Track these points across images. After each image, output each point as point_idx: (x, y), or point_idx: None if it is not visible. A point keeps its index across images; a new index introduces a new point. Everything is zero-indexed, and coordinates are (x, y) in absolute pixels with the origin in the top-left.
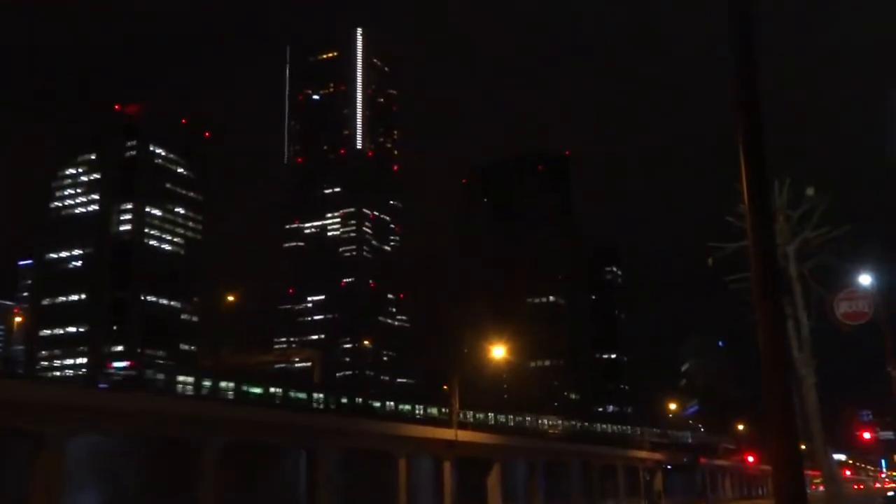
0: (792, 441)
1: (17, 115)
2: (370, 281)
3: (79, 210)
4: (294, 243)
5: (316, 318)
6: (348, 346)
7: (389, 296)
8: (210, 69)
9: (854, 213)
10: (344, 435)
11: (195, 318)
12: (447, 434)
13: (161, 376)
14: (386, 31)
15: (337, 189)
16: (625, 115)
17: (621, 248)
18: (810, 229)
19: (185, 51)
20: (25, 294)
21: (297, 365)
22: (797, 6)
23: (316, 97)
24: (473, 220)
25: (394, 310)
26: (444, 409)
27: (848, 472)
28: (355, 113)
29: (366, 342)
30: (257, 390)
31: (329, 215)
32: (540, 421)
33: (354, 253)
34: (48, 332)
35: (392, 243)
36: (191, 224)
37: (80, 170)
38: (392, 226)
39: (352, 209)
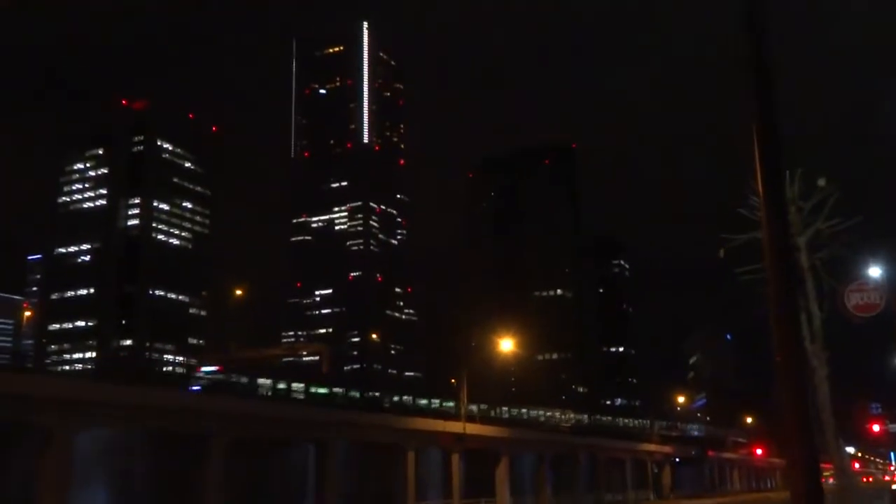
0: (807, 434)
1: (25, 111)
2: (377, 275)
3: (87, 205)
4: (301, 237)
5: (323, 311)
6: (356, 339)
7: (397, 289)
8: (217, 64)
9: (865, 204)
10: (352, 428)
11: (203, 312)
12: (456, 427)
13: (245, 380)
14: (392, 25)
15: (344, 183)
16: (631, 108)
17: (628, 241)
18: (822, 220)
19: (192, 46)
20: (34, 288)
21: (304, 359)
22: None
23: (322, 91)
24: (480, 214)
25: (401, 303)
26: (447, 402)
27: (857, 465)
28: (362, 107)
29: (373, 336)
30: (323, 391)
31: (336, 209)
32: (547, 414)
33: (361, 247)
34: (57, 326)
35: (399, 237)
36: (198, 218)
37: (87, 165)
38: (399, 219)
39: (359, 203)
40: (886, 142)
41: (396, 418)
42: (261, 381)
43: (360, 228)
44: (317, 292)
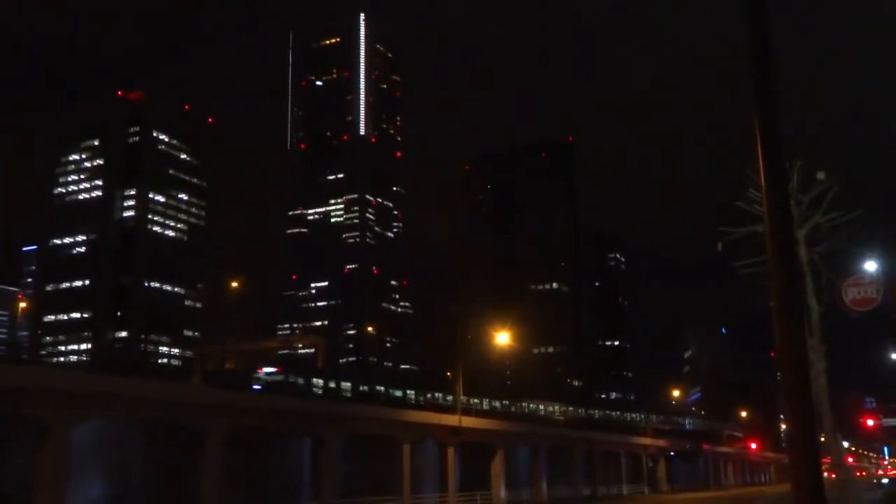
0: (809, 428)
1: (20, 104)
2: (373, 267)
3: (82, 196)
4: (297, 230)
5: (319, 304)
6: (351, 332)
7: (392, 282)
8: (213, 56)
9: (862, 197)
10: (348, 421)
11: (198, 305)
12: (451, 420)
13: (301, 380)
14: (389, 17)
15: (340, 175)
16: (629, 105)
17: (624, 235)
18: (820, 214)
19: (189, 38)
20: (29, 280)
21: (300, 351)
22: None
23: (319, 83)
24: (476, 207)
25: (397, 296)
26: (448, 396)
27: (850, 459)
28: (358, 99)
29: (369, 328)
30: (366, 388)
31: (332, 202)
32: (543, 407)
33: (357, 239)
34: (52, 317)
35: (395, 230)
36: (194, 210)
37: (83, 156)
38: (395, 212)
39: (355, 195)
40: (884, 136)
41: (392, 411)
42: (315, 380)
43: (356, 221)
44: (313, 285)
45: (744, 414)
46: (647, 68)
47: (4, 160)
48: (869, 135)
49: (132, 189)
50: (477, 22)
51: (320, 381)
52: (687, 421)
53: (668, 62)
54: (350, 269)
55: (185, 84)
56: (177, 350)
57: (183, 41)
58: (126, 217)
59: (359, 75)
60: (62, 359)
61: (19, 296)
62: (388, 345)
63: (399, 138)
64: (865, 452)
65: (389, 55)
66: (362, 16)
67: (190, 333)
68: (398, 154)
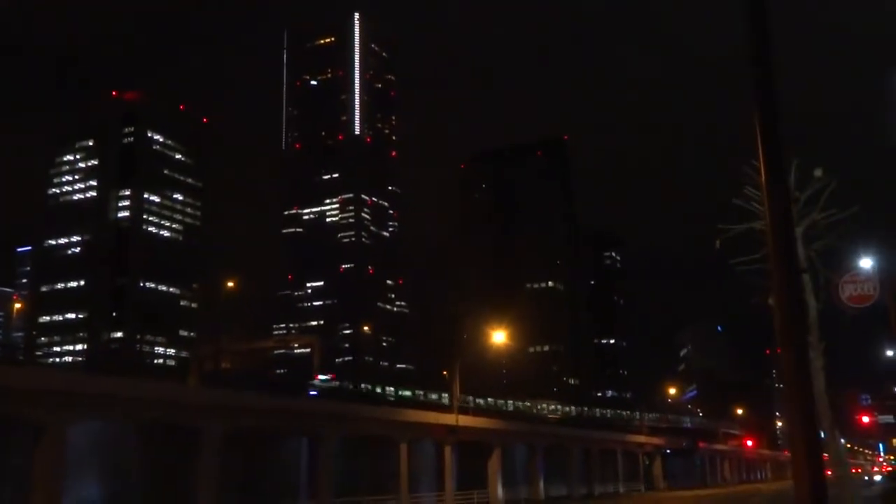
0: (811, 426)
1: (14, 102)
2: (369, 267)
3: (77, 196)
4: (293, 229)
5: (315, 304)
6: (347, 331)
7: (388, 282)
8: (208, 56)
9: (858, 195)
10: (345, 421)
11: (194, 305)
12: (448, 419)
13: (351, 386)
14: (383, 16)
15: (335, 175)
16: (627, 101)
17: (621, 233)
18: (818, 211)
19: (182, 38)
20: (24, 280)
21: (296, 351)
22: None
23: (314, 83)
24: (473, 206)
25: (393, 296)
26: (444, 395)
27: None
28: (353, 98)
29: (365, 328)
30: (407, 393)
31: (327, 201)
32: (539, 406)
33: (353, 239)
34: (47, 318)
35: (391, 229)
36: (189, 210)
37: (78, 156)
38: (391, 212)
39: (350, 195)
40: (881, 134)
41: (389, 410)
42: (363, 386)
43: (351, 220)
44: (308, 284)
45: (740, 412)
46: (647, 68)
47: None
48: (866, 133)
49: (127, 189)
50: (474, 21)
51: (406, 392)
52: (683, 419)
53: (667, 62)
54: (346, 268)
55: (179, 84)
56: (172, 350)
57: (177, 41)
58: (121, 217)
59: (353, 75)
60: (58, 359)
61: (14, 296)
62: (385, 344)
63: (394, 138)
64: (860, 449)
65: (384, 54)
66: (357, 15)
67: (186, 334)
68: (393, 153)
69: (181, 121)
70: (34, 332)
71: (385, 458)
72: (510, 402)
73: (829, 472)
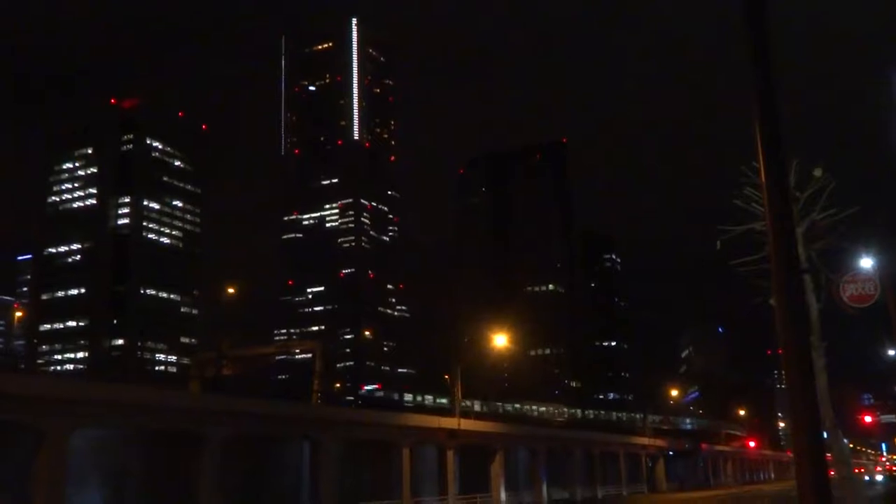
0: (815, 426)
1: (13, 111)
2: (369, 271)
3: (77, 204)
4: (293, 235)
5: (316, 309)
6: (349, 336)
7: (389, 286)
8: (205, 62)
9: (859, 194)
10: (347, 425)
11: (195, 311)
12: (450, 423)
13: (396, 395)
14: (381, 20)
15: (335, 180)
16: (626, 103)
17: (619, 235)
18: (818, 211)
19: (180, 44)
20: (25, 289)
21: (297, 356)
22: None
23: (312, 88)
24: (471, 209)
25: (393, 300)
26: (444, 399)
27: None
28: (351, 103)
29: (366, 333)
30: (467, 403)
31: (327, 206)
32: (541, 409)
33: (353, 244)
34: (48, 326)
35: (390, 234)
36: (189, 217)
37: (77, 164)
38: (390, 216)
39: (350, 200)
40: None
41: (391, 415)
42: (407, 395)
43: (351, 225)
44: (309, 290)
45: (742, 412)
46: (645, 69)
47: None
48: (866, 132)
49: (126, 196)
50: (472, 25)
51: (442, 399)
52: (685, 420)
53: (666, 63)
54: (346, 273)
55: (176, 89)
56: (173, 357)
57: (175, 48)
58: (121, 225)
59: (352, 80)
60: (59, 367)
61: (15, 305)
62: (385, 348)
63: (393, 142)
64: (863, 449)
65: (382, 59)
66: (354, 20)
67: (186, 340)
68: (392, 158)
69: (179, 127)
70: (35, 341)
71: (387, 463)
72: (513, 405)
73: (833, 473)
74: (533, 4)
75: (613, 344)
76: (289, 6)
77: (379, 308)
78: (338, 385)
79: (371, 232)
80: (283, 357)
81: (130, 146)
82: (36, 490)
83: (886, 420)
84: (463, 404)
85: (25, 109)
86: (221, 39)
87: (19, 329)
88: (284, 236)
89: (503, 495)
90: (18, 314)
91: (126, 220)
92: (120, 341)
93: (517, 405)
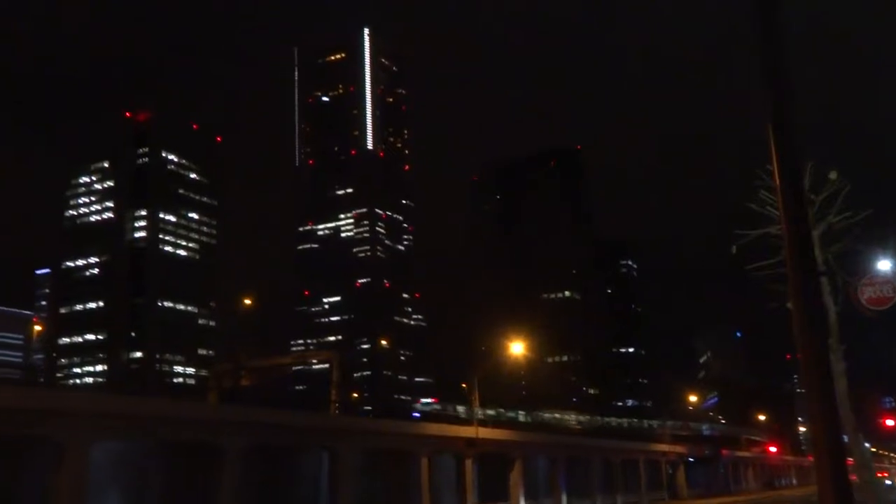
0: (834, 431)
1: (29, 126)
2: (385, 281)
3: (94, 218)
4: (308, 245)
5: (332, 319)
6: (365, 346)
7: (404, 295)
8: (219, 74)
9: (875, 196)
10: (365, 435)
11: (212, 323)
12: (468, 432)
13: (452, 409)
14: (393, 30)
15: (349, 190)
16: (634, 109)
17: (635, 241)
18: (834, 214)
19: (193, 57)
20: (43, 303)
21: (315, 367)
22: None
23: (325, 99)
24: (486, 218)
25: (409, 309)
26: (462, 407)
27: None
28: (365, 113)
29: (383, 342)
30: (512, 414)
31: (342, 216)
32: (559, 416)
33: (368, 253)
34: (67, 340)
35: (405, 243)
36: (205, 229)
37: (93, 178)
38: (405, 225)
39: (364, 210)
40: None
41: (409, 424)
42: (459, 407)
43: (366, 235)
44: (325, 300)
45: (762, 418)
46: (657, 73)
47: (16, 184)
48: (882, 133)
49: (143, 210)
50: (484, 31)
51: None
52: (705, 426)
53: (678, 66)
54: (362, 283)
55: (190, 102)
56: (192, 369)
57: (188, 61)
58: (137, 238)
59: (364, 90)
60: (78, 381)
61: (34, 319)
62: (402, 358)
63: (406, 151)
64: (885, 453)
65: (394, 69)
66: (366, 30)
67: (204, 352)
68: (406, 167)
69: (194, 140)
70: (54, 354)
71: (406, 472)
72: (530, 412)
73: (854, 477)
74: (546, 16)
75: (631, 350)
76: (301, 18)
77: (395, 317)
78: (355, 395)
79: (386, 241)
80: (300, 368)
81: (146, 159)
82: (56, 503)
83: None
84: (488, 413)
85: (42, 125)
86: (234, 52)
87: (39, 343)
88: (300, 247)
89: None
90: (38, 328)
91: (143, 233)
92: (138, 354)
93: (535, 413)
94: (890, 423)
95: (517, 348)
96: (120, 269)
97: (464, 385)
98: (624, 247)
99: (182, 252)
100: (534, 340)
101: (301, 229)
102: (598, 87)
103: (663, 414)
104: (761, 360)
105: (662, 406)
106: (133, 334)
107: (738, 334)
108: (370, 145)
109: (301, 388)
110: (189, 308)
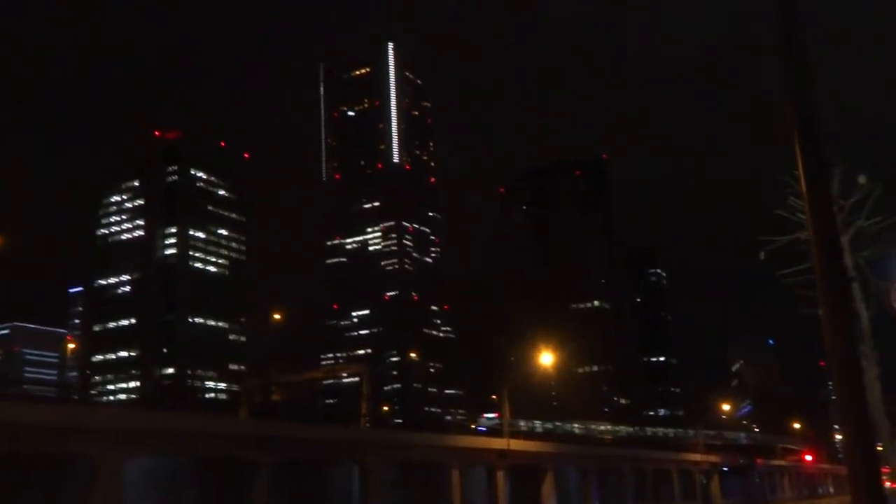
0: (868, 439)
1: (61, 146)
2: (413, 293)
3: (125, 236)
4: (336, 259)
5: (361, 332)
6: (395, 359)
7: (433, 307)
8: (245, 92)
9: None
10: (396, 448)
11: (243, 338)
12: (499, 443)
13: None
14: (417, 43)
15: (376, 203)
16: (663, 115)
17: (664, 249)
18: (864, 218)
19: (220, 75)
20: (77, 321)
21: (345, 380)
22: None
23: (351, 113)
24: (513, 228)
25: (438, 321)
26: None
27: None
28: (390, 127)
29: (412, 355)
30: (549, 426)
31: (369, 230)
32: (590, 427)
33: (396, 266)
34: (100, 357)
35: (433, 255)
36: (234, 245)
37: (124, 197)
38: (432, 237)
39: (391, 223)
40: None
41: (440, 437)
42: (522, 422)
43: (394, 248)
44: (354, 313)
45: (797, 426)
46: (682, 79)
47: (49, 203)
48: None
49: (173, 227)
50: (508, 42)
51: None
52: (739, 435)
53: (705, 73)
54: (390, 296)
55: (218, 120)
56: (223, 384)
57: (214, 77)
58: (168, 255)
59: (389, 104)
60: (112, 398)
61: (68, 337)
62: (432, 370)
63: (432, 164)
64: None
65: (419, 82)
66: (391, 45)
67: (235, 367)
68: (432, 180)
69: (222, 157)
70: (88, 372)
71: (437, 485)
72: (561, 423)
73: (890, 485)
74: (569, 27)
75: (662, 359)
76: (325, 33)
77: (424, 329)
78: (385, 408)
79: (414, 254)
80: (330, 381)
81: (175, 177)
82: None
83: None
84: (522, 425)
85: (73, 145)
86: (259, 69)
87: (72, 361)
88: (328, 261)
89: None
90: (71, 346)
91: (173, 250)
92: (170, 370)
93: (567, 424)
94: None
95: (547, 359)
96: (151, 286)
97: (494, 397)
98: (652, 255)
99: (212, 268)
100: (563, 351)
101: (329, 243)
102: (624, 96)
103: (696, 423)
104: (795, 367)
105: (695, 415)
106: (165, 350)
107: (771, 342)
108: (396, 158)
109: (331, 401)
110: (220, 324)
